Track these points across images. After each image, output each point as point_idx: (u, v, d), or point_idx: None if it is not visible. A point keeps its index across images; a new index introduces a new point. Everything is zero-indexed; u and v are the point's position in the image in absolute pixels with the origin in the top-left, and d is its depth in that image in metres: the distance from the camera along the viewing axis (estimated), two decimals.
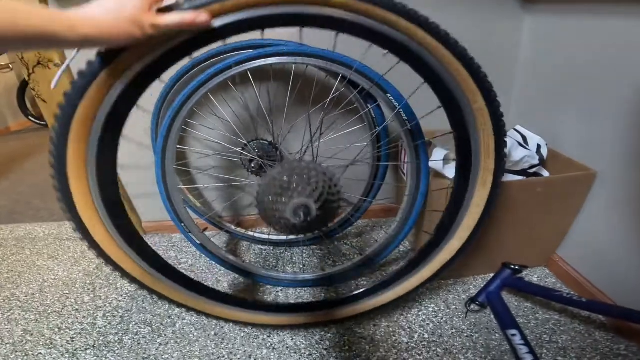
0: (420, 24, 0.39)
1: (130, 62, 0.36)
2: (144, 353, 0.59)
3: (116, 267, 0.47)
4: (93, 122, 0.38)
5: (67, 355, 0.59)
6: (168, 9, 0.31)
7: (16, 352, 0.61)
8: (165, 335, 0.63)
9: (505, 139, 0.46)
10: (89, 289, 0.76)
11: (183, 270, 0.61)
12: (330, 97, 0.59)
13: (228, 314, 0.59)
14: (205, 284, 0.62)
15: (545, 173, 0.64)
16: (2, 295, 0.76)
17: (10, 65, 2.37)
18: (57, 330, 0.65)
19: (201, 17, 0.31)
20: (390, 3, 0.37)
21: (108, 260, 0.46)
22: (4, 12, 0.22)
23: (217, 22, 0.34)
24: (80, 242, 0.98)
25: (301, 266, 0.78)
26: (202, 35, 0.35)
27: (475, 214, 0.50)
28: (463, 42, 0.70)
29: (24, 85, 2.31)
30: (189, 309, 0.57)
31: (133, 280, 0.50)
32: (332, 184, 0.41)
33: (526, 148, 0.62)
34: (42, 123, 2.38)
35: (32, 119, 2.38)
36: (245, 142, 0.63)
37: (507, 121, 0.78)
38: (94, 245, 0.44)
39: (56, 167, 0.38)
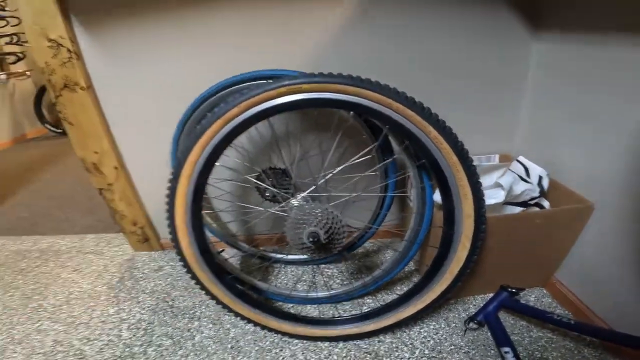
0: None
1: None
2: None
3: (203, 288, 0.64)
4: (185, 195, 0.55)
5: None
6: None
7: None
8: (185, 347, 0.68)
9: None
10: (113, 302, 0.81)
11: None
12: (337, 138, 0.63)
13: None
14: None
15: (546, 203, 0.68)
16: (30, 306, 0.81)
17: (28, 72, 2.45)
18: (86, 341, 0.70)
19: None
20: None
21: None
22: None
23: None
24: (102, 256, 1.04)
25: (312, 285, 0.82)
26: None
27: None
28: (471, 71, 0.75)
29: (41, 93, 2.38)
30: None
31: (218, 302, 0.65)
32: (336, 217, 0.54)
33: (527, 182, 0.65)
34: (58, 131, 2.45)
35: (49, 127, 2.44)
36: (259, 170, 0.68)
37: (511, 150, 0.83)
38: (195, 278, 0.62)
39: (171, 228, 0.58)
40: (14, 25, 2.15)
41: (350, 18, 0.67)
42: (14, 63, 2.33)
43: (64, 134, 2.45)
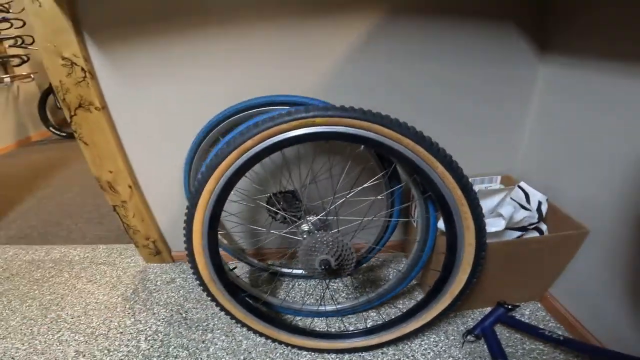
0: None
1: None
2: None
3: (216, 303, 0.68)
4: (202, 222, 0.58)
5: None
6: None
7: None
8: (201, 358, 0.71)
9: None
10: (129, 313, 0.85)
11: None
12: (347, 166, 0.66)
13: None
14: None
15: (544, 227, 0.71)
16: (49, 316, 0.85)
17: (32, 75, 2.45)
18: (106, 351, 0.74)
19: None
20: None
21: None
22: None
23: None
24: (115, 267, 1.07)
25: (319, 299, 0.86)
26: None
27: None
28: (477, 92, 0.76)
29: (45, 96, 2.38)
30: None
31: (232, 317, 0.70)
32: (345, 245, 0.58)
33: (527, 209, 0.69)
34: (62, 134, 2.46)
35: (53, 130, 2.45)
36: (270, 194, 0.71)
37: (513, 171, 0.86)
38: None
39: (189, 250, 0.61)
40: (18, 28, 2.14)
41: (358, 42, 0.69)
42: (18, 65, 2.33)
43: (67, 137, 2.46)
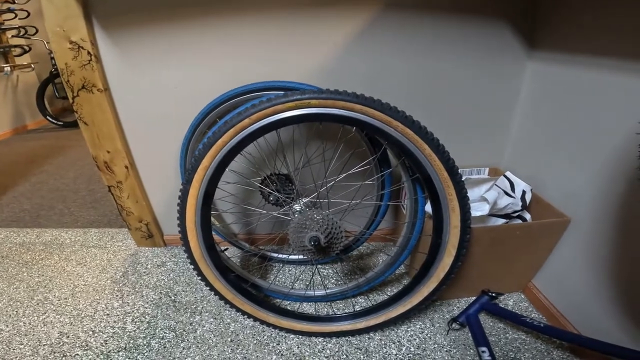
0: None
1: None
2: (170, 356, 0.68)
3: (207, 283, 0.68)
4: (196, 198, 0.60)
5: (102, 357, 0.68)
6: None
7: (54, 353, 0.68)
8: (187, 340, 0.72)
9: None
10: (117, 296, 0.84)
11: None
12: (339, 149, 0.69)
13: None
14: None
15: (528, 215, 0.74)
16: (35, 298, 0.84)
17: (32, 65, 2.46)
18: (91, 332, 0.74)
19: None
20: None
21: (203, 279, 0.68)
22: None
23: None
24: (106, 251, 1.07)
25: (308, 284, 0.87)
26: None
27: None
28: (468, 87, 0.79)
29: (44, 85, 2.39)
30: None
31: (221, 297, 0.70)
32: (335, 224, 0.59)
33: (511, 196, 0.71)
34: (59, 123, 2.46)
35: (50, 119, 2.45)
36: (264, 175, 0.73)
37: (500, 164, 0.90)
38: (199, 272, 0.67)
39: (181, 227, 0.62)
40: (22, 19, 2.17)
41: (354, 33, 0.72)
42: (19, 55, 2.35)
43: (64, 126, 2.46)
